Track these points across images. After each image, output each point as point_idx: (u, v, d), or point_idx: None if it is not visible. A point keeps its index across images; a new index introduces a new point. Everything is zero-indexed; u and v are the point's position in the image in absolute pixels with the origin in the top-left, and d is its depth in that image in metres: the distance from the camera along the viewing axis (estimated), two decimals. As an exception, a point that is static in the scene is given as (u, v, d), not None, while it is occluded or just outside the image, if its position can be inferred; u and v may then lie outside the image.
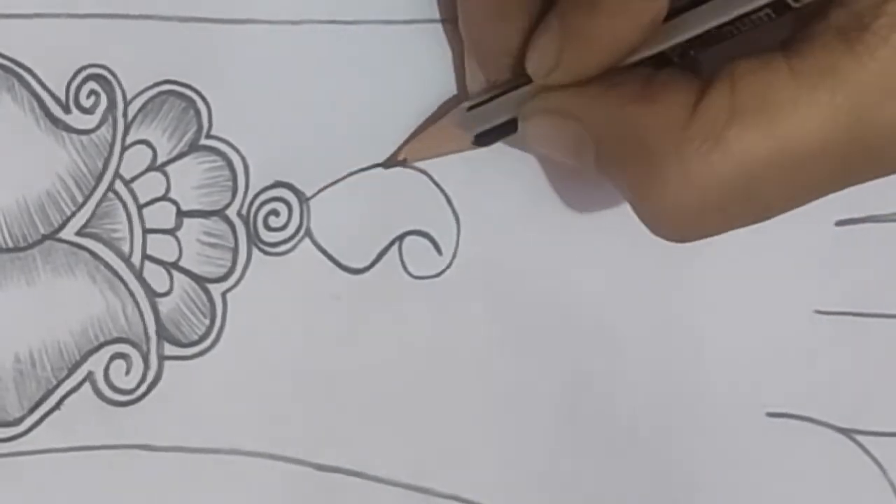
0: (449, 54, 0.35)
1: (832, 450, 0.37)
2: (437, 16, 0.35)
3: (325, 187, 0.35)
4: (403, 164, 0.35)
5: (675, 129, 0.29)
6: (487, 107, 0.33)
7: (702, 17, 0.30)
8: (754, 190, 0.29)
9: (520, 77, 0.32)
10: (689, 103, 0.29)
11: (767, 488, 0.37)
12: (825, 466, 0.37)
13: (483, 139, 0.34)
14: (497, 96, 0.33)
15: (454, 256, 0.36)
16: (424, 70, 0.35)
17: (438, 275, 0.36)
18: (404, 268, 0.36)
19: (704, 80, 0.29)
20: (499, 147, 0.35)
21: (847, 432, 0.37)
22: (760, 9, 0.29)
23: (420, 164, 0.36)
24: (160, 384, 0.35)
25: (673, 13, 0.30)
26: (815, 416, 0.37)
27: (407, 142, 0.35)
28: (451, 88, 0.35)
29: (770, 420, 0.37)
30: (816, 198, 0.30)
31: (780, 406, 0.37)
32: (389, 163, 0.35)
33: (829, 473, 0.37)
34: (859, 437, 0.37)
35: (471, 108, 0.33)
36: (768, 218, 0.30)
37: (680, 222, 0.30)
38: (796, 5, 0.29)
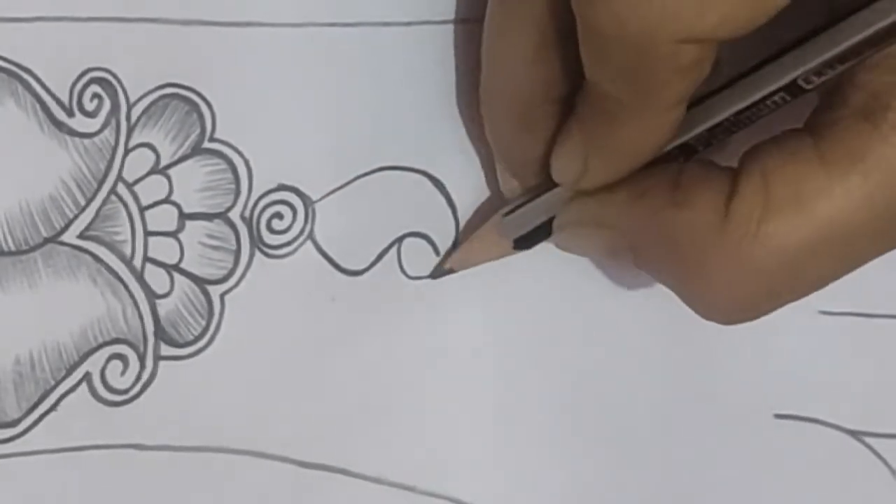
0: (452, 57, 0.35)
1: (841, 452, 0.36)
2: (439, 17, 0.35)
3: (332, 191, 0.34)
4: (450, 272, 0.35)
5: (711, 230, 0.29)
6: (522, 211, 0.33)
7: (719, 106, 0.30)
8: (799, 273, 0.29)
9: (550, 180, 0.32)
10: (721, 202, 0.29)
11: (775, 490, 0.36)
12: (833, 468, 0.36)
13: (522, 243, 0.33)
14: (530, 201, 0.33)
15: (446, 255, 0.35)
16: (427, 72, 0.35)
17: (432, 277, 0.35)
18: (402, 269, 0.35)
19: (733, 173, 0.29)
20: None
21: (856, 434, 0.36)
22: (774, 93, 0.29)
23: (421, 166, 0.35)
24: (154, 384, 0.34)
25: (690, 104, 0.29)
26: (824, 417, 0.36)
27: (452, 251, 0.35)
28: (452, 90, 0.35)
29: (778, 422, 0.36)
30: (860, 266, 0.30)
31: (787, 408, 0.36)
32: (437, 273, 0.35)
33: (837, 475, 0.36)
34: (868, 440, 0.36)
35: (507, 214, 0.33)
36: (818, 289, 0.30)
37: (729, 314, 0.30)
38: (808, 87, 0.29)
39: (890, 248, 0.29)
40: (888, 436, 0.36)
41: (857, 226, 0.28)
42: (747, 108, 0.29)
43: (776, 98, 0.29)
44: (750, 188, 0.29)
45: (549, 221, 0.33)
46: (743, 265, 0.29)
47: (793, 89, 0.29)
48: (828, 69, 0.28)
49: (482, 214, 0.35)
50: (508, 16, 0.31)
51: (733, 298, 0.29)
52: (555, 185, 0.32)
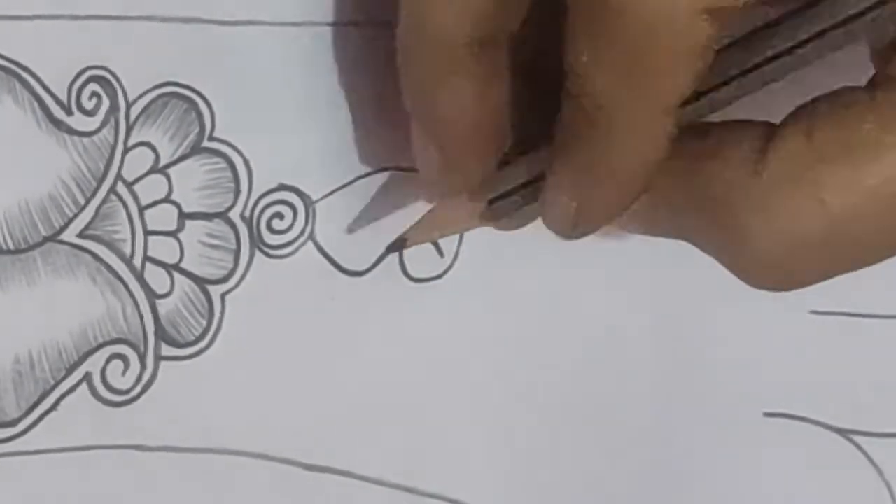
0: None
1: (829, 450, 0.36)
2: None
3: (333, 191, 0.34)
4: (404, 246, 0.34)
5: (746, 177, 0.26)
6: (508, 201, 0.31)
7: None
8: (850, 236, 0.26)
9: (516, 146, 0.30)
10: (758, 145, 0.26)
11: (764, 488, 0.36)
12: (822, 467, 0.37)
13: (501, 210, 0.31)
14: (512, 192, 0.31)
15: (455, 258, 0.35)
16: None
17: (439, 276, 0.35)
18: (404, 270, 0.35)
19: (771, 125, 0.27)
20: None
21: (844, 433, 0.36)
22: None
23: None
24: (155, 384, 0.34)
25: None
26: (813, 416, 0.36)
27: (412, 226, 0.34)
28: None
29: (767, 420, 0.36)
30: None
31: (777, 406, 0.36)
32: (393, 247, 0.34)
33: (825, 474, 0.37)
34: (856, 438, 0.36)
35: (491, 201, 0.31)
36: (872, 263, 0.27)
37: (775, 274, 0.27)
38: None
39: None
40: (876, 434, 0.37)
41: None
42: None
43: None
44: (792, 134, 0.26)
45: (528, 185, 0.30)
46: (785, 216, 0.26)
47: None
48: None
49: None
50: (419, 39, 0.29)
51: (775, 258, 0.26)
52: (528, 149, 0.30)
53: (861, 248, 0.27)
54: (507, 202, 0.31)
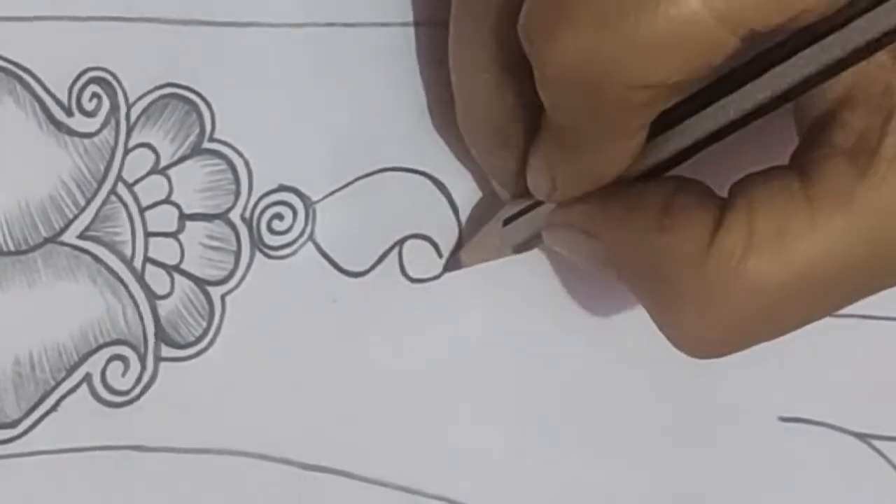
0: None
1: (847, 455, 0.35)
2: (439, 19, 0.34)
3: (333, 192, 0.34)
4: (459, 267, 0.34)
5: (693, 260, 0.28)
6: (519, 222, 0.32)
7: (702, 120, 0.29)
8: (774, 316, 0.28)
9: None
10: (707, 234, 0.28)
11: (781, 494, 0.35)
12: (840, 471, 0.35)
13: (521, 248, 0.33)
14: (528, 210, 0.32)
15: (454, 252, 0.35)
16: (428, 72, 0.34)
17: (438, 277, 0.34)
18: (403, 270, 0.34)
19: (722, 204, 0.28)
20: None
21: (862, 437, 0.35)
22: (754, 110, 0.28)
23: (423, 167, 0.34)
24: (155, 385, 0.33)
25: (677, 120, 0.29)
26: (830, 420, 0.35)
27: (458, 249, 0.34)
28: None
29: (783, 424, 0.35)
30: (835, 311, 0.29)
31: (792, 411, 0.35)
32: (450, 266, 0.34)
33: (843, 479, 0.35)
34: (875, 442, 0.35)
35: (506, 221, 0.33)
36: (790, 332, 0.29)
37: (701, 346, 0.29)
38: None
39: (868, 295, 0.29)
40: (895, 439, 0.35)
41: (837, 271, 0.27)
42: (724, 127, 0.29)
43: (755, 112, 0.28)
44: (735, 223, 0.28)
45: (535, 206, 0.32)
46: (719, 301, 0.28)
47: (768, 106, 0.28)
48: (800, 88, 0.27)
49: (483, 210, 0.34)
50: (467, 49, 0.31)
51: (705, 333, 0.29)
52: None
53: (787, 324, 0.29)
54: (519, 221, 0.33)
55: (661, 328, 0.29)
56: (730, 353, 0.29)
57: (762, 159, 0.29)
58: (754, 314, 0.28)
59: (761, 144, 0.30)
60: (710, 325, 0.28)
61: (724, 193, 0.29)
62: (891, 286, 0.29)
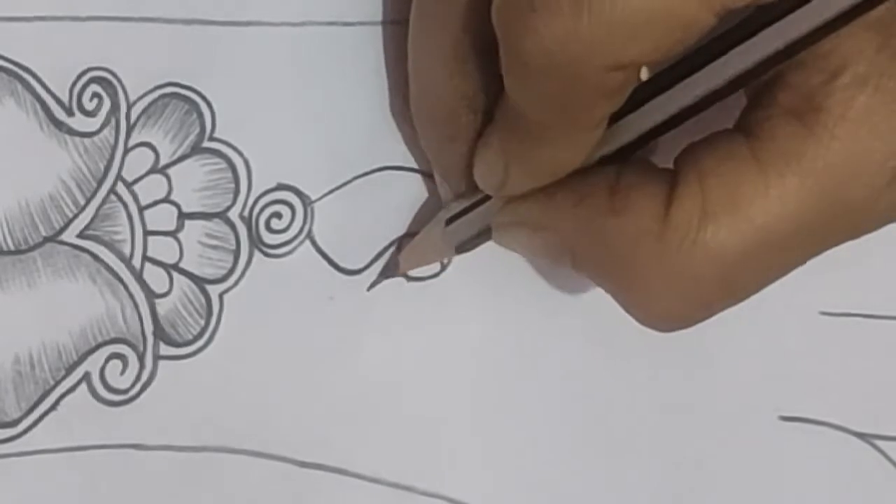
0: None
1: (848, 454, 0.35)
2: (439, 18, 0.34)
3: (331, 191, 0.34)
4: (396, 274, 0.34)
5: (649, 237, 0.28)
6: (462, 221, 0.32)
7: (650, 113, 0.28)
8: (736, 279, 0.28)
9: (478, 188, 0.31)
10: (660, 209, 0.28)
11: (781, 493, 0.35)
12: (841, 471, 0.35)
13: (464, 248, 0.33)
14: (470, 209, 0.32)
15: (451, 259, 0.34)
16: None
17: (436, 275, 0.34)
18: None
19: (670, 176, 0.28)
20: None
21: (864, 436, 0.35)
22: (708, 96, 0.28)
23: (420, 166, 0.34)
24: (154, 384, 0.33)
25: (624, 110, 0.28)
26: (831, 420, 0.35)
27: (397, 252, 0.34)
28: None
29: (784, 424, 0.35)
30: (795, 269, 0.29)
31: (793, 410, 0.35)
32: (385, 273, 0.34)
33: (844, 478, 0.35)
34: (876, 442, 0.35)
35: (448, 222, 0.32)
36: (751, 296, 0.29)
37: (666, 320, 0.29)
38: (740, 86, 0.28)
39: (823, 251, 0.29)
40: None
41: (793, 230, 0.27)
42: (679, 112, 0.28)
43: (706, 98, 0.28)
44: (687, 194, 0.28)
45: (490, 227, 0.32)
46: (681, 273, 0.28)
47: (724, 91, 0.28)
48: (762, 68, 0.27)
49: (424, 213, 0.34)
50: (425, 30, 0.31)
51: (670, 306, 0.29)
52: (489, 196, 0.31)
53: (748, 287, 0.29)
54: (462, 220, 0.32)
55: (626, 308, 0.29)
56: (696, 322, 0.29)
57: (701, 128, 0.29)
58: (717, 282, 0.28)
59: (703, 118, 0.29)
60: (675, 298, 0.28)
61: (669, 166, 0.29)
62: (843, 241, 0.29)
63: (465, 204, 0.32)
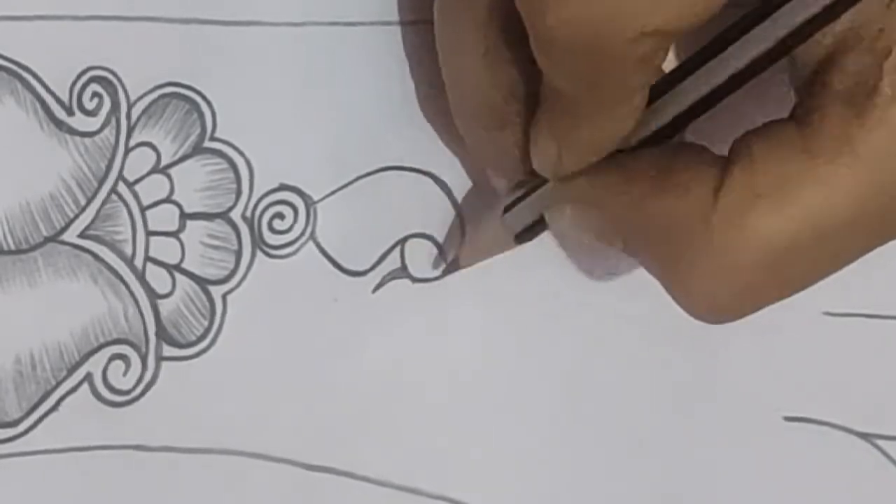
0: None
1: (851, 454, 0.35)
2: (441, 17, 0.34)
3: (334, 191, 0.33)
4: (457, 268, 0.34)
5: (698, 218, 0.27)
6: (520, 206, 0.32)
7: (698, 82, 0.28)
8: (785, 269, 0.27)
9: (538, 175, 0.31)
10: (710, 189, 0.27)
11: (785, 493, 0.35)
12: (844, 471, 0.35)
13: (523, 237, 0.32)
14: (527, 195, 0.31)
15: (449, 254, 0.34)
16: (429, 71, 0.33)
17: (440, 276, 0.34)
18: (405, 270, 0.34)
19: (723, 161, 0.28)
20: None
21: (866, 436, 0.35)
22: (749, 66, 0.27)
23: (424, 167, 0.34)
24: (156, 385, 0.33)
25: (669, 85, 0.28)
26: (834, 420, 0.35)
27: (456, 249, 0.34)
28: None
29: (787, 424, 0.35)
30: (846, 265, 0.28)
31: (796, 410, 0.35)
32: (447, 270, 0.34)
33: (847, 478, 0.35)
34: (879, 442, 0.35)
35: (505, 210, 0.32)
36: (800, 291, 0.28)
37: (713, 307, 0.28)
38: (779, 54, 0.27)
39: (877, 245, 0.28)
40: (901, 438, 0.35)
41: (843, 220, 0.27)
42: (719, 86, 0.28)
43: (747, 71, 0.28)
44: (738, 178, 0.27)
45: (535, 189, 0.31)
46: (727, 259, 0.27)
47: (763, 61, 0.27)
48: (797, 40, 0.27)
49: (482, 209, 0.34)
50: (455, 31, 0.30)
51: (716, 294, 0.28)
52: (546, 180, 0.31)
53: (799, 279, 0.28)
54: (519, 208, 0.32)
55: (671, 293, 0.29)
56: (740, 314, 0.29)
57: (759, 121, 0.28)
58: (763, 270, 0.27)
59: (757, 107, 0.29)
60: (720, 285, 0.28)
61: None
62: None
63: (521, 192, 0.32)
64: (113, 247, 0.33)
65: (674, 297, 0.29)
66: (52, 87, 0.33)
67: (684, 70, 0.28)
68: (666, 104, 0.28)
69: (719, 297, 0.28)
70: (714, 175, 0.28)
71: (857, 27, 0.27)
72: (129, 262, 0.33)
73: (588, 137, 0.28)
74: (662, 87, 0.28)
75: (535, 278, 0.34)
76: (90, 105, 0.33)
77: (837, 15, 0.26)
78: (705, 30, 0.27)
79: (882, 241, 0.28)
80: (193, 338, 0.33)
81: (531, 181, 0.31)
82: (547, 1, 0.25)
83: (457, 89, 0.31)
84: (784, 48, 0.27)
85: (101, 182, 0.33)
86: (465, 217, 0.34)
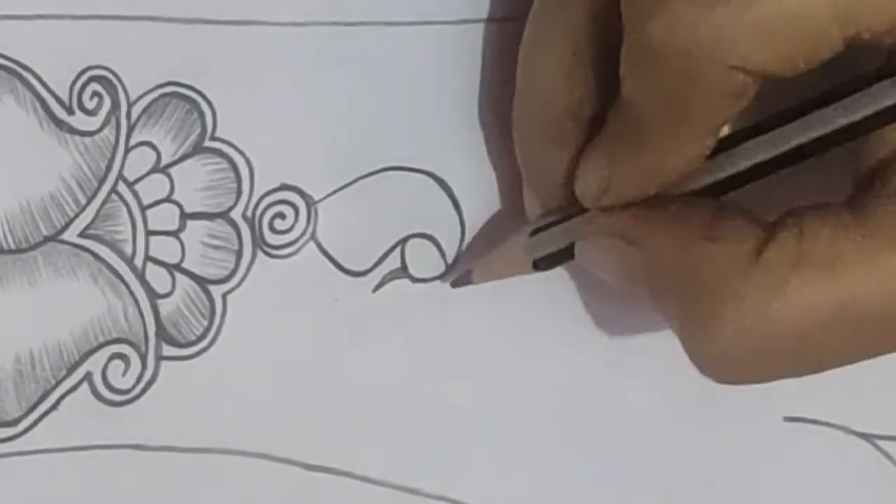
0: (457, 58, 0.34)
1: (853, 455, 0.35)
2: (443, 18, 0.34)
3: (335, 191, 0.33)
4: (469, 283, 0.33)
5: (737, 272, 0.27)
6: (548, 233, 0.31)
7: (752, 150, 0.28)
8: (809, 346, 0.27)
9: (574, 204, 0.31)
10: (754, 248, 0.27)
11: (785, 494, 0.35)
12: (844, 472, 0.35)
13: (542, 264, 0.32)
14: (558, 222, 0.31)
15: (457, 258, 0.34)
16: (431, 72, 0.34)
17: (441, 276, 0.34)
18: (405, 270, 0.34)
19: (771, 223, 0.28)
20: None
21: (868, 437, 0.35)
22: (808, 144, 0.28)
23: (425, 167, 0.34)
24: (156, 384, 0.33)
25: (730, 144, 0.28)
26: (835, 420, 0.35)
27: (474, 262, 0.33)
28: (456, 90, 0.34)
29: (788, 425, 0.35)
30: (869, 358, 0.28)
31: (797, 411, 0.35)
32: (458, 282, 0.33)
33: (848, 479, 0.35)
34: (879, 442, 0.35)
35: (533, 233, 0.32)
36: (815, 373, 0.28)
37: (727, 367, 0.28)
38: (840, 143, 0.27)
39: None
40: (902, 439, 0.35)
41: (880, 308, 0.27)
42: (779, 155, 0.28)
43: (810, 147, 0.28)
44: (784, 240, 0.27)
45: (573, 246, 0.31)
46: (757, 318, 0.27)
47: (826, 143, 0.28)
48: (862, 129, 0.27)
49: (491, 225, 0.34)
50: (546, 32, 0.30)
51: (734, 353, 0.27)
52: (582, 210, 0.31)
53: (820, 360, 0.28)
54: (546, 234, 0.32)
55: (686, 346, 0.28)
56: (750, 379, 0.29)
57: (808, 200, 0.28)
58: (790, 339, 0.27)
59: (811, 186, 0.29)
60: (742, 344, 0.27)
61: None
62: None
63: (552, 219, 0.31)
64: (113, 246, 0.33)
65: (688, 351, 0.28)
66: (52, 87, 0.33)
67: (750, 131, 0.28)
68: (725, 160, 0.28)
69: (735, 360, 0.28)
70: (761, 231, 0.28)
71: None
72: (129, 261, 0.33)
73: (647, 166, 0.28)
74: (725, 143, 0.28)
75: (535, 278, 0.34)
76: (90, 104, 0.33)
77: None
78: (784, 95, 0.27)
79: None
80: (193, 337, 0.33)
81: (566, 209, 0.31)
82: (655, 9, 0.26)
83: (528, 93, 0.31)
84: (854, 133, 0.27)
85: (102, 181, 0.33)
86: (466, 215, 0.34)
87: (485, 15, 0.33)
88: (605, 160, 0.29)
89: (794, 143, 0.28)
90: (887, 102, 0.27)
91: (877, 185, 0.28)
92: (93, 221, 0.33)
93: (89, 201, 0.33)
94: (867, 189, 0.28)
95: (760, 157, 0.28)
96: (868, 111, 0.27)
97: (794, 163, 0.28)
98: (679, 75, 0.26)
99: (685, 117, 0.27)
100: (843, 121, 0.27)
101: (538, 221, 0.32)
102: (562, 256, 0.31)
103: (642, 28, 0.26)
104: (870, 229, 0.27)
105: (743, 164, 0.28)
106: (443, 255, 0.34)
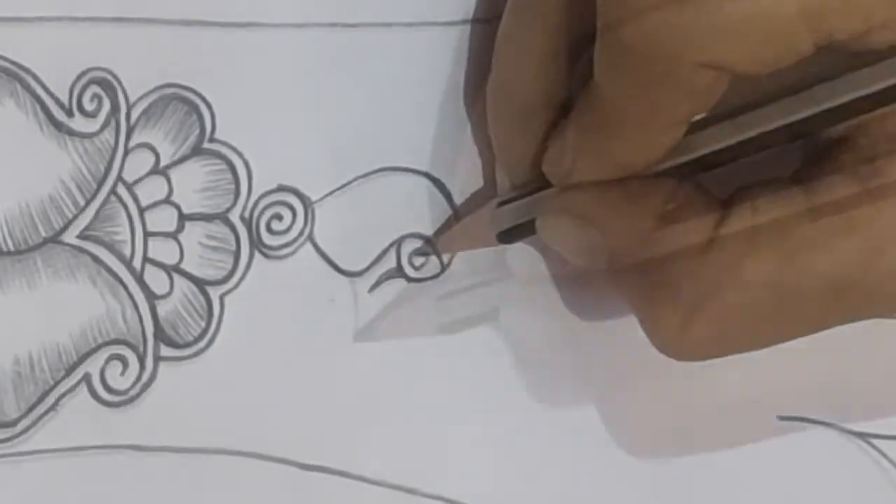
0: (453, 58, 0.34)
1: (848, 454, 0.35)
2: (440, 19, 0.34)
3: (332, 192, 0.33)
4: (435, 253, 0.34)
5: (694, 253, 0.28)
6: (512, 206, 0.32)
7: (715, 136, 0.29)
8: (760, 322, 0.28)
9: (542, 180, 0.31)
10: (709, 227, 0.28)
11: (780, 493, 0.35)
12: (839, 471, 0.35)
13: (506, 237, 0.32)
14: (523, 196, 0.32)
15: (452, 258, 0.34)
16: (428, 73, 0.34)
17: (436, 276, 0.34)
18: (401, 270, 0.34)
19: (724, 203, 0.28)
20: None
21: (863, 436, 0.35)
22: (772, 132, 0.28)
23: (421, 167, 0.34)
24: (154, 385, 0.33)
25: (693, 128, 0.29)
26: (829, 419, 0.35)
27: (441, 233, 0.34)
28: (453, 91, 0.34)
29: (782, 424, 0.35)
30: (818, 331, 0.29)
31: (792, 409, 0.35)
32: (422, 252, 0.34)
33: (842, 478, 0.35)
34: (875, 441, 0.35)
35: (499, 204, 0.32)
36: (769, 346, 0.29)
37: (683, 345, 0.29)
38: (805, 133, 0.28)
39: (849, 321, 0.29)
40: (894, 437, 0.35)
41: (828, 285, 0.27)
42: (743, 142, 0.28)
43: (774, 137, 0.28)
44: (738, 221, 0.28)
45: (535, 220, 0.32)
46: (713, 297, 0.28)
47: (791, 132, 0.28)
48: (829, 120, 0.28)
49: (476, 205, 0.34)
50: (521, 22, 0.30)
51: (690, 333, 0.28)
52: (549, 185, 0.31)
53: (769, 335, 0.29)
54: (512, 206, 0.32)
55: (646, 325, 0.29)
56: (710, 356, 0.29)
57: (755, 176, 0.29)
58: (743, 317, 0.28)
59: (758, 166, 0.29)
60: (699, 324, 0.28)
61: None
62: (870, 316, 0.29)
63: (520, 192, 0.32)
64: (111, 248, 0.33)
65: (645, 328, 0.29)
66: (52, 89, 0.33)
67: (717, 117, 0.29)
68: (690, 142, 0.29)
69: (691, 339, 0.28)
70: (717, 211, 0.28)
71: (882, 115, 0.28)
72: (128, 262, 0.33)
73: (613, 154, 0.29)
74: (692, 127, 0.29)
75: (532, 278, 0.34)
76: (90, 106, 0.33)
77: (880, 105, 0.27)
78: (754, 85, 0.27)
79: (852, 317, 0.28)
80: (191, 338, 0.33)
81: (533, 184, 0.31)
82: (630, 9, 0.26)
83: (502, 82, 0.31)
84: (820, 124, 0.28)
85: (101, 183, 0.33)
86: (462, 216, 0.34)
87: (483, 16, 0.34)
88: (570, 144, 0.29)
89: (758, 130, 0.28)
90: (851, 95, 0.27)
91: (828, 162, 0.28)
92: (91, 223, 0.33)
93: (88, 203, 0.33)
94: (817, 164, 0.28)
95: (724, 143, 0.28)
96: (834, 102, 0.27)
97: (757, 151, 0.28)
98: (650, 72, 0.26)
99: (654, 111, 0.27)
100: (808, 111, 0.27)
101: (505, 195, 0.32)
102: (525, 231, 0.32)
103: (615, 25, 0.26)
104: (819, 204, 0.27)
105: (707, 149, 0.29)
106: (438, 255, 0.34)
